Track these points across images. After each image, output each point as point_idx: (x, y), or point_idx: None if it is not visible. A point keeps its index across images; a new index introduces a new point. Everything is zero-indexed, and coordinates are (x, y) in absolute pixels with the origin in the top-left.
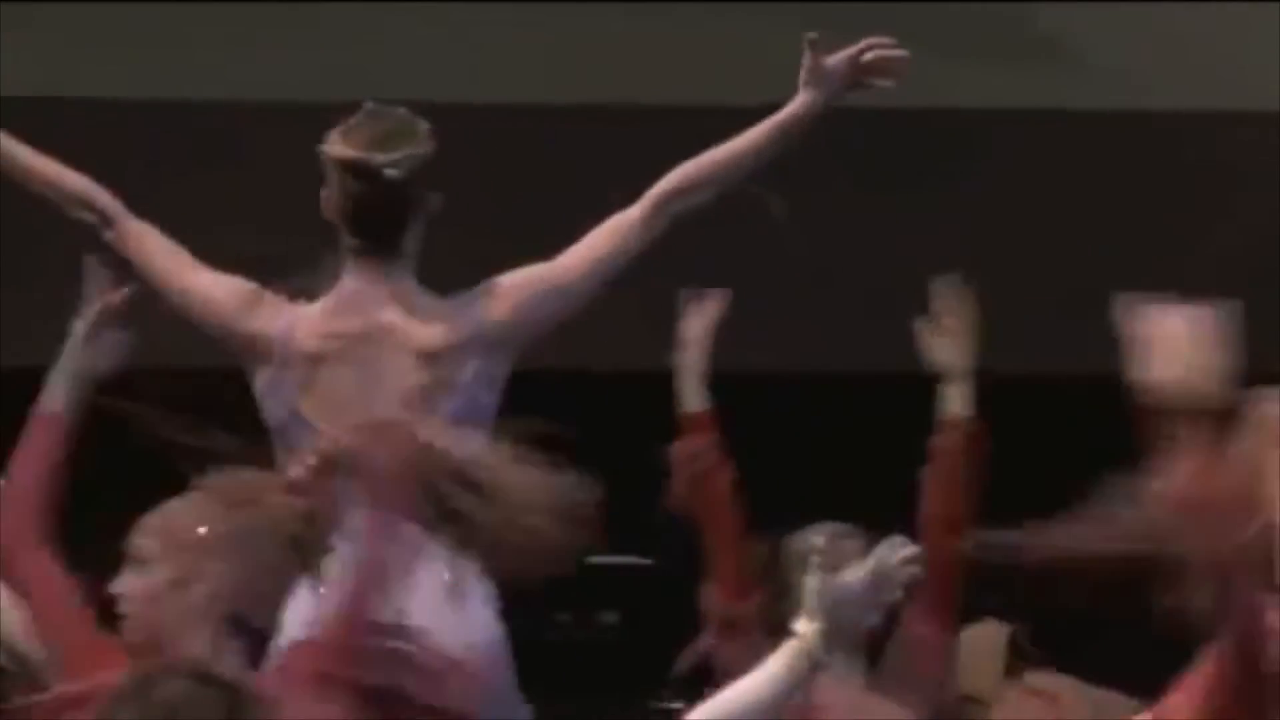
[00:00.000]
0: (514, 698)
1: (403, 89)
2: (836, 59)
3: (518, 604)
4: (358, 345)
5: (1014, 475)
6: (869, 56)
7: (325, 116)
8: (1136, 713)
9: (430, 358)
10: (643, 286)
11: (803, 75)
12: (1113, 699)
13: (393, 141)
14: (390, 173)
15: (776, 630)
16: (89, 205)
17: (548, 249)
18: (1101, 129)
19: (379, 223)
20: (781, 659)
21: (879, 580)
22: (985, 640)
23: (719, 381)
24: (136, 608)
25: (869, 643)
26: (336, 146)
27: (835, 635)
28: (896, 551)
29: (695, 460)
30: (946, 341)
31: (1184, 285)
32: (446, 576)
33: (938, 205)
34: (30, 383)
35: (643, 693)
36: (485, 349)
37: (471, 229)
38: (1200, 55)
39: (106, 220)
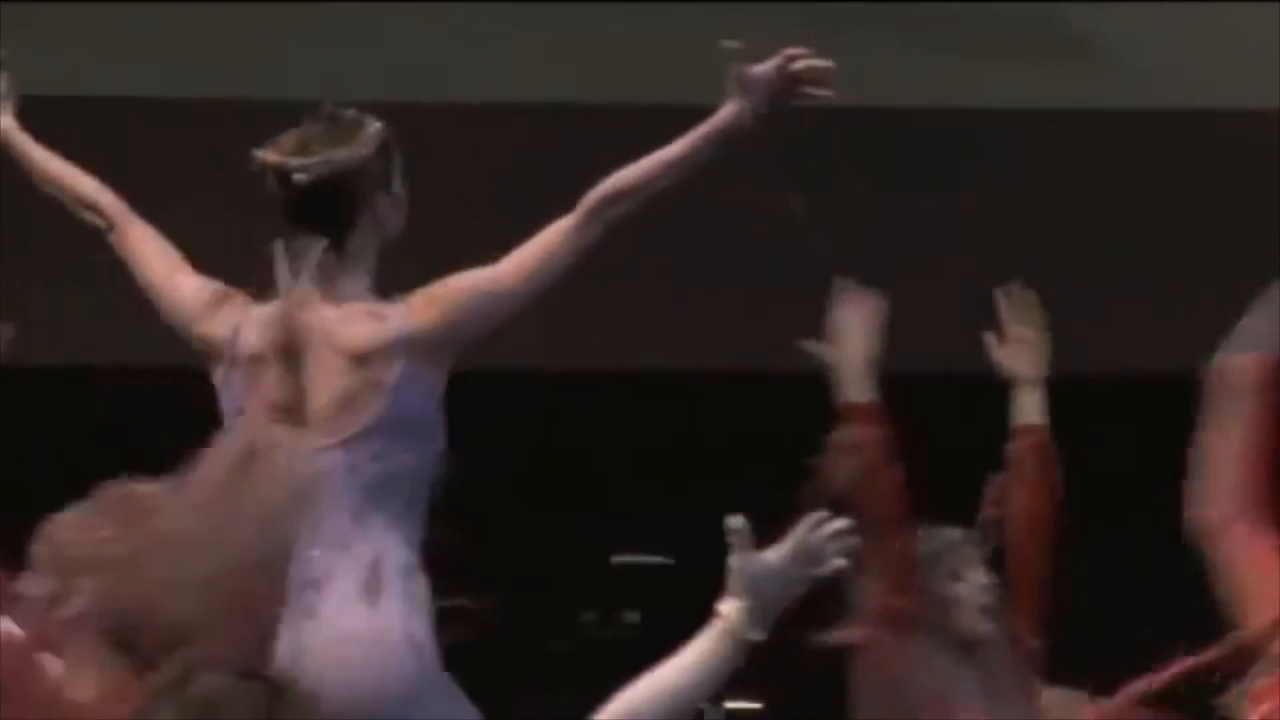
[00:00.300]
0: (434, 694)
1: (403, 89)
2: (763, 69)
3: (542, 603)
4: (295, 346)
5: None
6: (796, 66)
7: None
8: (1081, 712)
9: (359, 359)
10: (661, 284)
11: (732, 84)
12: (1063, 696)
13: (314, 146)
14: (299, 178)
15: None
16: (93, 207)
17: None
18: (1131, 128)
19: (312, 225)
20: (703, 641)
21: (801, 556)
22: None
23: (739, 381)
24: (25, 615)
25: (966, 646)
26: (265, 150)
27: (760, 612)
28: (820, 527)
29: (860, 451)
30: (1017, 350)
31: (1214, 282)
32: (364, 575)
33: (965, 204)
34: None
35: None
36: (412, 352)
37: (471, 228)
38: (1231, 54)
39: (110, 223)
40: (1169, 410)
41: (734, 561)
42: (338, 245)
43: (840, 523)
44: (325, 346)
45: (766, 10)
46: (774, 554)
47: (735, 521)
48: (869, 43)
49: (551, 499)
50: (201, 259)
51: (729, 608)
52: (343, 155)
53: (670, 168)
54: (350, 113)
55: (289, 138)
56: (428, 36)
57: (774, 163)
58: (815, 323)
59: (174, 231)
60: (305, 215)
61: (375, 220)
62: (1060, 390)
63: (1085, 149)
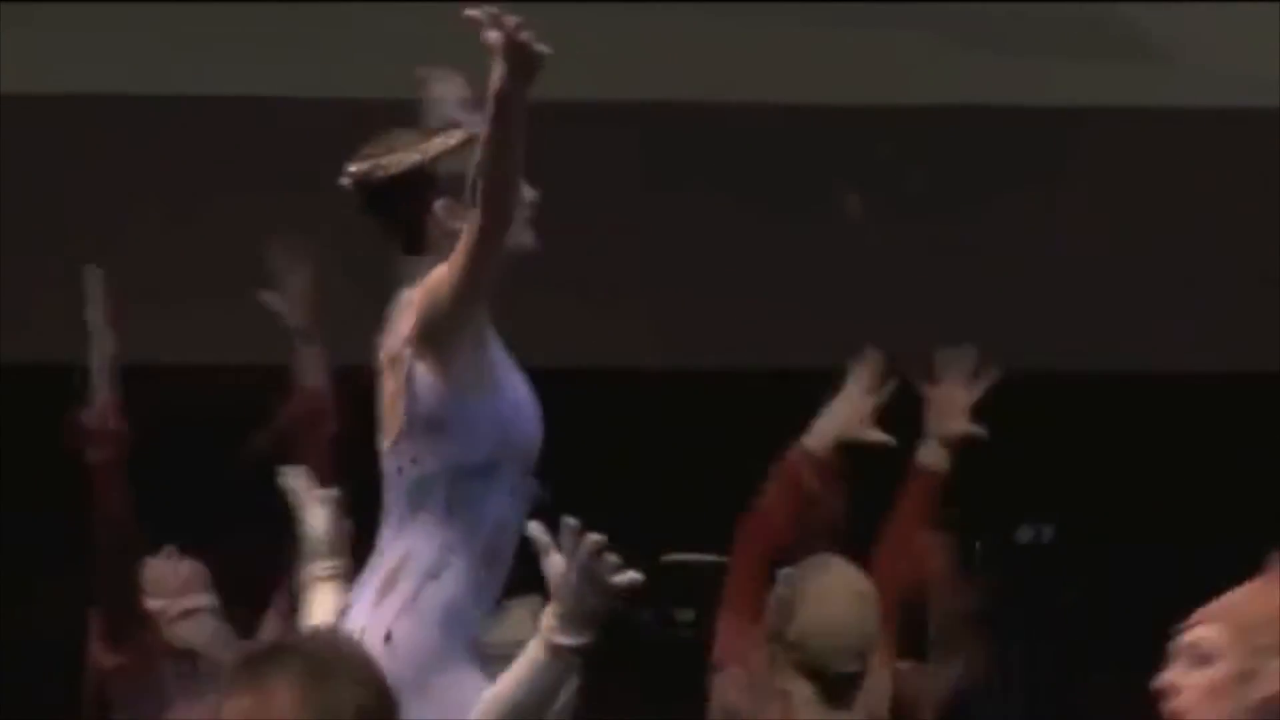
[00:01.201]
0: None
1: (403, 88)
2: (494, 35)
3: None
4: (385, 354)
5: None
6: (508, 26)
7: (325, 115)
8: None
9: (391, 362)
10: (723, 287)
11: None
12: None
13: (376, 151)
14: (343, 180)
15: None
16: None
17: (548, 247)
18: (1190, 127)
19: (378, 227)
20: (528, 650)
21: (573, 569)
22: None
23: (796, 379)
24: None
25: None
26: None
27: (569, 618)
28: (575, 535)
29: None
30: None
31: (1270, 281)
32: (386, 575)
33: (1025, 203)
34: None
35: None
36: (415, 352)
37: None
38: None
39: None
40: (1249, 409)
41: (545, 567)
42: (408, 249)
43: (593, 537)
44: (384, 352)
45: (801, 10)
46: (561, 562)
47: (533, 528)
48: (924, 41)
49: (602, 498)
50: (204, 257)
51: (545, 614)
52: (388, 160)
53: (490, 156)
54: (441, 118)
55: (376, 141)
56: (427, 36)
57: (830, 163)
58: (875, 322)
59: (166, 227)
60: (368, 216)
61: (440, 228)
62: (1128, 388)
63: (1141, 147)
